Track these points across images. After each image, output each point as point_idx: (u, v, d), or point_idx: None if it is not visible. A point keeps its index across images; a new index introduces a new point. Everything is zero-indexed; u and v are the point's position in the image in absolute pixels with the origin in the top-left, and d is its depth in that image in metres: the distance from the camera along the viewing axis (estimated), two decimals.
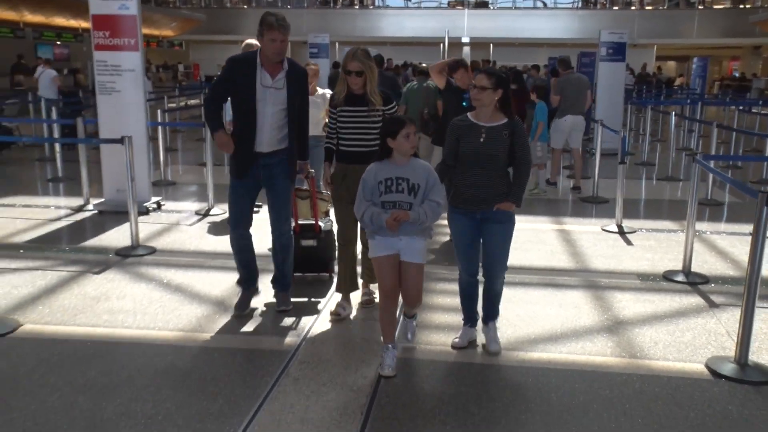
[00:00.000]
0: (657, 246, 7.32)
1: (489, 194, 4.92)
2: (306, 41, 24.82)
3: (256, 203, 6.27)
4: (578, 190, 10.68)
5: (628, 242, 7.52)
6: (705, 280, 6.21)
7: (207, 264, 6.89)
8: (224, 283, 6.22)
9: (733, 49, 42.05)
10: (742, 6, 37.74)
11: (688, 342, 4.92)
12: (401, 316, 5.20)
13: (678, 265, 6.46)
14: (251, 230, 5.61)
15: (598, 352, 4.83)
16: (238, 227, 5.54)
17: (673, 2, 39.09)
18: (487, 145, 4.95)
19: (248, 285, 5.73)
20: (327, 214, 6.48)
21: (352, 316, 5.44)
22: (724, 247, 7.35)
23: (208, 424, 3.82)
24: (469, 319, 5.27)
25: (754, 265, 4.41)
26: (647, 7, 40.66)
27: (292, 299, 5.75)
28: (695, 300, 5.78)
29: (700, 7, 38.31)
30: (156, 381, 4.36)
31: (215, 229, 8.06)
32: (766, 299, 5.69)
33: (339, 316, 5.36)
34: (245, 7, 41.81)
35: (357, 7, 42.09)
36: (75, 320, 5.29)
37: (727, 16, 37.08)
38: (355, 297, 5.63)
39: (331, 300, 5.81)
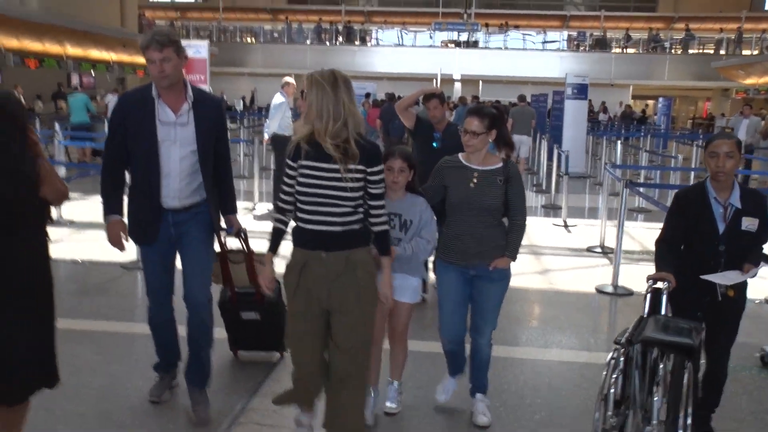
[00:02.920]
0: (587, 233, 10.15)
1: (482, 247, 4.50)
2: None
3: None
4: None
5: (568, 231, 10.48)
6: (611, 251, 8.75)
7: None
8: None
9: (705, 90, 44.65)
10: (706, 53, 40.66)
11: (589, 277, 7.84)
12: (387, 380, 4.76)
13: (597, 243, 9.26)
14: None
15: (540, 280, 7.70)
16: (155, 303, 4.52)
17: (650, 47, 41.36)
18: (479, 191, 4.50)
19: (167, 370, 4.76)
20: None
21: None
22: (629, 231, 10.08)
23: None
24: (456, 370, 4.84)
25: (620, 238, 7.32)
26: (626, 51, 42.51)
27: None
28: (602, 260, 8.69)
29: (672, 52, 40.78)
30: None
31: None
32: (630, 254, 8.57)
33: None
34: (253, 42, 43.58)
35: (357, 44, 42.76)
36: None
37: (695, 61, 39.66)
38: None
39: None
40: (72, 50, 27.47)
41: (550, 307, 7.23)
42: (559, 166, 13.35)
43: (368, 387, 4.36)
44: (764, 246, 4.41)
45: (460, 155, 4.60)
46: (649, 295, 4.29)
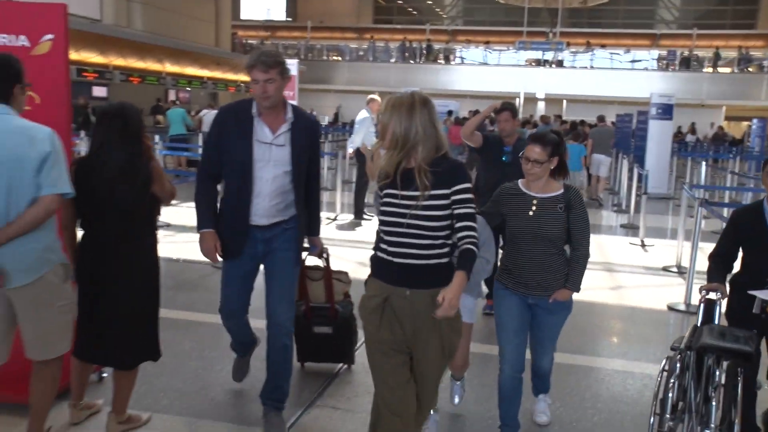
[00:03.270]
0: (664, 253, 10.22)
1: (543, 278, 4.46)
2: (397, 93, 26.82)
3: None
4: (597, 200, 16.72)
5: (645, 250, 10.57)
6: (686, 270, 8.54)
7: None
8: None
9: None
10: None
11: (663, 295, 7.94)
12: (449, 379, 4.89)
13: (674, 262, 9.30)
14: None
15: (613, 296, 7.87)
16: (230, 318, 4.63)
17: (743, 66, 40.02)
18: (539, 220, 4.48)
19: (245, 353, 4.97)
20: (346, 295, 5.35)
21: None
22: (705, 251, 10.09)
23: None
24: (507, 426, 4.59)
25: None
26: (719, 70, 41.05)
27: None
28: (677, 279, 8.76)
29: None
30: None
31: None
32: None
33: None
34: (339, 60, 44.38)
35: (442, 62, 43.29)
36: None
37: None
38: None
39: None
40: (170, 68, 29.02)
41: (620, 320, 7.42)
42: (639, 186, 13.36)
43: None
44: None
45: (520, 182, 4.56)
46: (702, 305, 4.45)
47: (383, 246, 3.40)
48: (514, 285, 4.46)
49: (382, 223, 3.39)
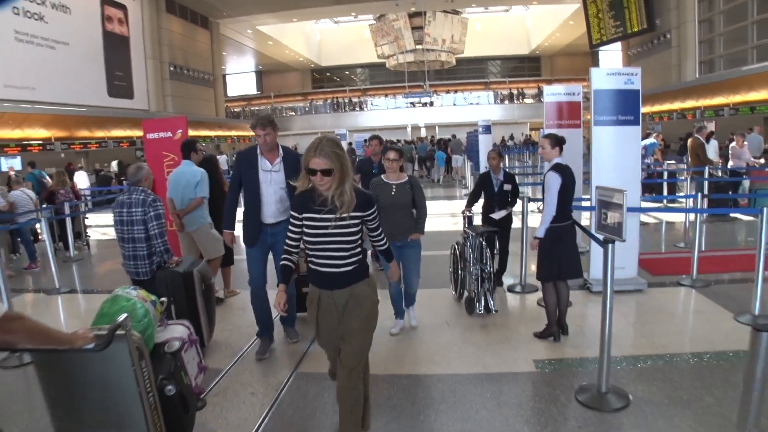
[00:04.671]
0: None
1: (403, 228, 4.81)
2: (333, 132, 27.05)
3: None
4: (456, 180, 18.90)
5: None
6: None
7: None
8: None
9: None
10: None
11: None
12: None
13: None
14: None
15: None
16: (255, 284, 4.59)
17: (539, 97, 41.13)
18: (397, 196, 4.81)
19: (264, 334, 4.75)
20: None
21: None
22: None
23: None
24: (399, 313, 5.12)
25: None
26: (524, 101, 41.08)
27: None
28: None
29: None
30: None
31: None
32: None
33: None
34: (293, 114, 43.06)
35: (357, 109, 42.26)
36: None
37: None
38: None
39: None
40: (191, 132, 29.35)
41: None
42: (474, 173, 15.91)
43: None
44: None
45: (383, 176, 4.96)
46: (467, 218, 5.80)
47: (312, 259, 2.95)
48: (388, 237, 4.27)
49: (307, 241, 2.92)
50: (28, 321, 2.13)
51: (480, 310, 5.41)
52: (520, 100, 41.49)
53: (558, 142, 4.84)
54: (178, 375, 2.97)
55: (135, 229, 4.68)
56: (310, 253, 2.95)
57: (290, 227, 2.97)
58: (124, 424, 2.64)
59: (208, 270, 5.00)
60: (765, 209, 5.07)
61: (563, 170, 4.71)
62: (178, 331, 3.25)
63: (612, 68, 6.28)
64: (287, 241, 2.99)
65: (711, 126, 17.73)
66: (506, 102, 41.12)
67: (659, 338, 4.90)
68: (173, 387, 2.86)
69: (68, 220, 9.72)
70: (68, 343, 2.34)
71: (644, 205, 7.22)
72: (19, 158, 18.51)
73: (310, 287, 3.04)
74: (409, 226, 4.87)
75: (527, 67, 49.53)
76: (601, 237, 3.94)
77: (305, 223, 2.90)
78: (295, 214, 2.94)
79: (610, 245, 3.66)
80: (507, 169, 6.45)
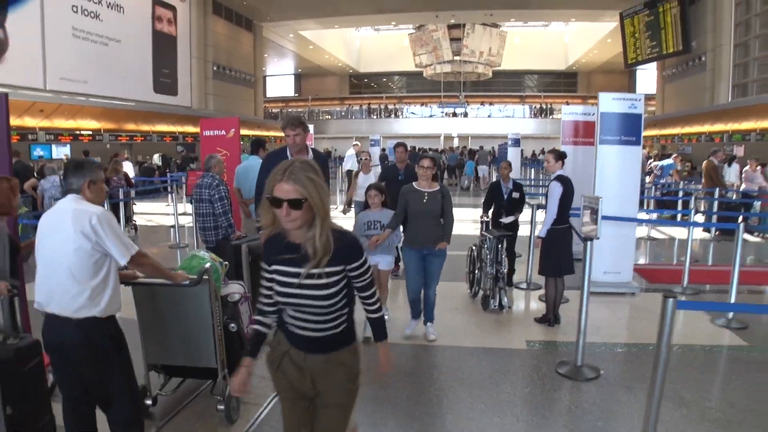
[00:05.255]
0: None
1: (430, 237, 4.83)
2: (367, 137, 26.43)
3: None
4: (483, 189, 18.27)
5: None
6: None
7: None
8: None
9: None
10: None
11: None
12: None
13: None
14: None
15: None
16: None
17: None
18: (428, 204, 4.83)
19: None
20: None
21: None
22: None
23: None
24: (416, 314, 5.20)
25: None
26: (555, 116, 41.11)
27: None
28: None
29: None
30: None
31: None
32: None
33: None
34: (329, 118, 43.45)
35: (392, 116, 42.32)
36: None
37: None
38: None
39: None
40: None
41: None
42: None
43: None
44: None
45: (414, 183, 4.98)
46: (483, 223, 6.60)
47: (283, 316, 2.32)
48: (415, 243, 4.89)
49: (278, 295, 2.22)
50: (152, 258, 3.05)
51: (495, 306, 6.06)
52: (552, 116, 41.34)
53: (560, 156, 5.71)
54: (238, 318, 3.91)
55: (202, 205, 5.75)
56: (286, 312, 2.29)
57: (261, 281, 2.30)
58: (198, 348, 3.62)
59: (259, 246, 5.96)
60: (740, 225, 5.81)
61: (564, 181, 5.58)
62: (236, 287, 4.15)
63: (618, 93, 7.05)
64: (260, 299, 2.33)
65: (740, 150, 18.19)
66: (540, 117, 41.22)
67: (639, 332, 5.72)
68: (235, 325, 3.80)
69: (121, 205, 10.81)
70: (173, 278, 3.26)
71: (641, 216, 7.89)
72: (69, 147, 19.97)
73: (276, 334, 2.39)
74: (437, 234, 4.89)
75: (563, 83, 49.67)
76: (582, 235, 4.79)
77: (274, 277, 2.23)
78: (264, 266, 2.27)
79: (589, 242, 4.50)
80: (516, 180, 7.09)
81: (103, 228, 2.76)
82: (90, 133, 21.80)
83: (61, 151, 19.45)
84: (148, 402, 3.70)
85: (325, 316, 2.22)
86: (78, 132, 21.24)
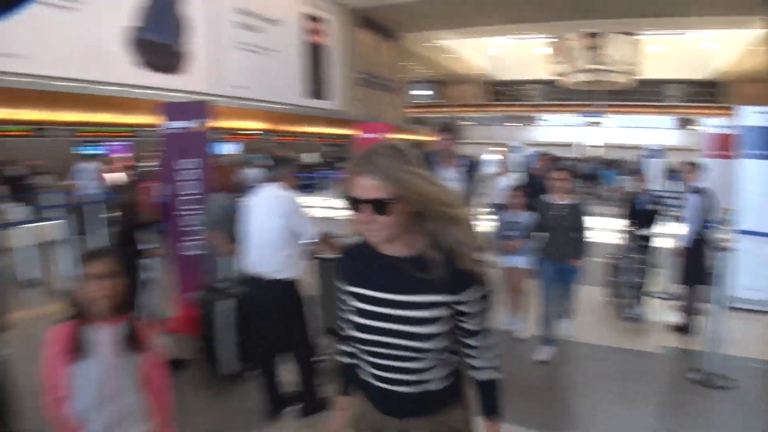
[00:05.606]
0: None
1: (567, 251, 4.69)
2: (504, 144, 25.33)
3: None
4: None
5: None
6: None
7: None
8: None
9: None
10: None
11: None
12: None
13: None
14: None
15: None
16: None
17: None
18: (567, 217, 4.68)
19: None
20: None
21: None
22: None
23: None
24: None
25: None
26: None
27: None
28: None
29: None
30: None
31: None
32: None
33: None
34: (473, 124, 43.80)
35: (528, 124, 42.86)
36: None
37: None
38: None
39: None
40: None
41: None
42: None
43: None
44: None
45: (550, 194, 4.77)
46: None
47: (362, 364, 1.78)
48: (549, 255, 4.73)
49: (355, 333, 1.75)
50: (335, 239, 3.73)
51: (633, 314, 6.12)
52: (692, 126, 39.55)
53: (698, 168, 5.87)
54: None
55: None
56: (361, 356, 1.75)
57: (339, 304, 1.79)
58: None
59: None
60: None
61: (703, 192, 5.72)
62: None
63: (759, 107, 6.97)
64: (342, 324, 1.81)
65: None
66: (682, 128, 39.82)
67: None
68: None
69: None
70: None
71: None
72: (232, 145, 22.22)
73: (357, 403, 1.82)
74: (572, 248, 4.67)
75: (706, 93, 46.31)
76: (719, 247, 5.00)
77: (352, 302, 1.71)
78: (338, 285, 1.77)
79: (726, 254, 4.74)
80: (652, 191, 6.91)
81: (297, 211, 3.56)
82: (251, 132, 24.08)
83: (231, 149, 21.74)
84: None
85: (420, 362, 1.64)
86: (241, 132, 23.59)
